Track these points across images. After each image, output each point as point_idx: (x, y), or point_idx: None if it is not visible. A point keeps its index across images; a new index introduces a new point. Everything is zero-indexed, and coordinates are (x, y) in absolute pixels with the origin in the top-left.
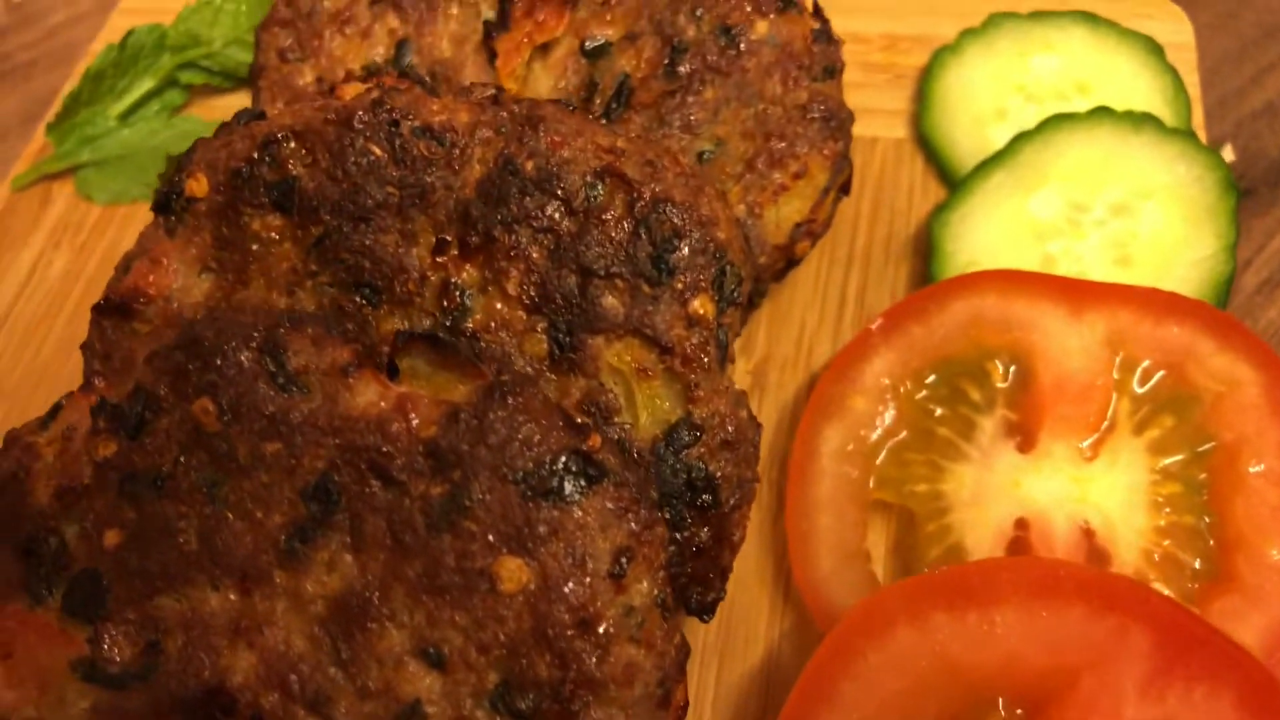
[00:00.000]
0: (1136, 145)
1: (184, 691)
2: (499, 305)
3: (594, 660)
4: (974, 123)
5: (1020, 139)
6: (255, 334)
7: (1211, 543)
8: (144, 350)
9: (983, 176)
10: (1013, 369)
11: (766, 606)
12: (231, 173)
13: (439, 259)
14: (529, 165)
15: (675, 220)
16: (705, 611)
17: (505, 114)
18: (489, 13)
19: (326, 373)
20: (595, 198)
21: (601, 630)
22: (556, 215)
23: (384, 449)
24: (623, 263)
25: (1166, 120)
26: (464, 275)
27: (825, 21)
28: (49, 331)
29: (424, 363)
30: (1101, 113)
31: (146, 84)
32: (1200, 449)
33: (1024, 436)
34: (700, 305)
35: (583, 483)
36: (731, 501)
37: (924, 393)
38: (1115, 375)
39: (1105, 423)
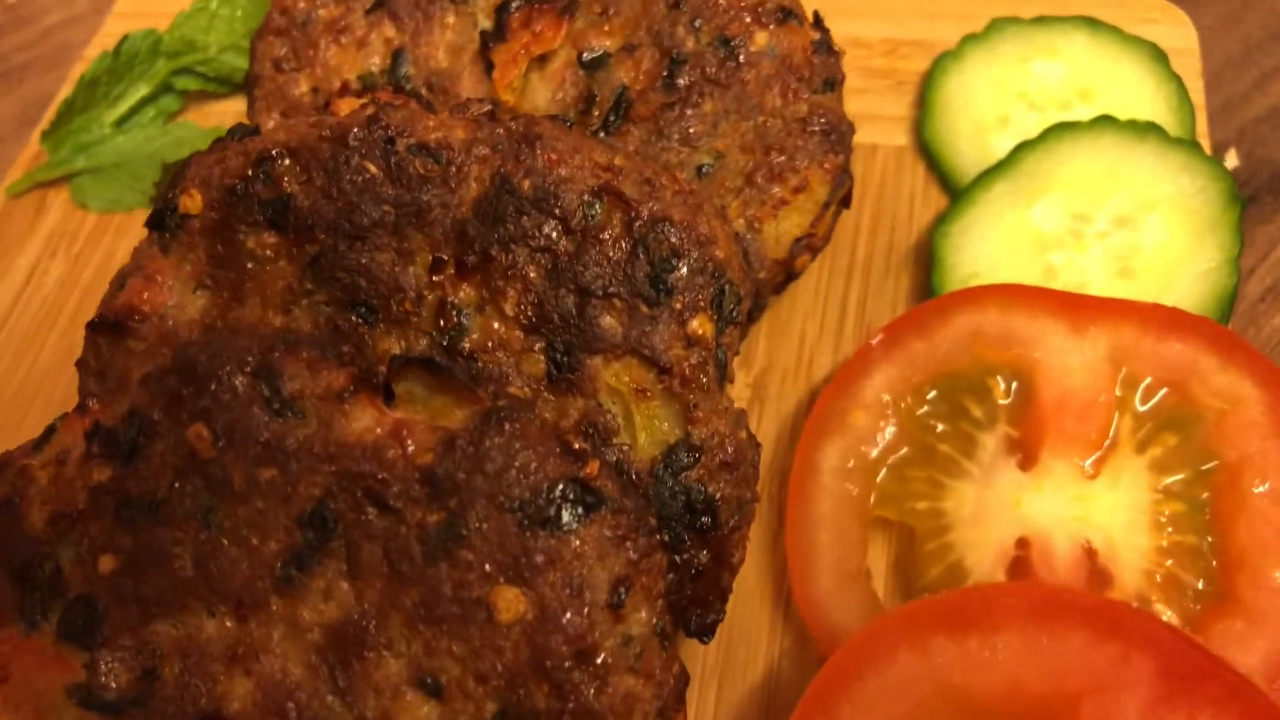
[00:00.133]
0: (1140, 155)
1: (181, 718)
2: (496, 325)
3: (592, 691)
4: (976, 130)
5: (1022, 148)
6: (250, 358)
7: (1214, 563)
8: (139, 368)
9: (984, 187)
10: (1014, 385)
11: (766, 625)
12: (226, 190)
13: (436, 278)
14: (526, 184)
15: (673, 239)
16: (705, 633)
17: (501, 131)
18: (486, 22)
19: (322, 397)
20: (593, 217)
21: (599, 661)
22: (554, 234)
23: (380, 476)
24: (621, 282)
25: (1170, 128)
26: (461, 294)
27: (825, 32)
28: (45, 343)
29: (420, 386)
30: (1105, 122)
31: (142, 90)
32: (1203, 468)
33: (1025, 454)
34: (699, 325)
35: (580, 511)
36: (731, 523)
37: (925, 409)
38: (1117, 392)
39: (1107, 441)
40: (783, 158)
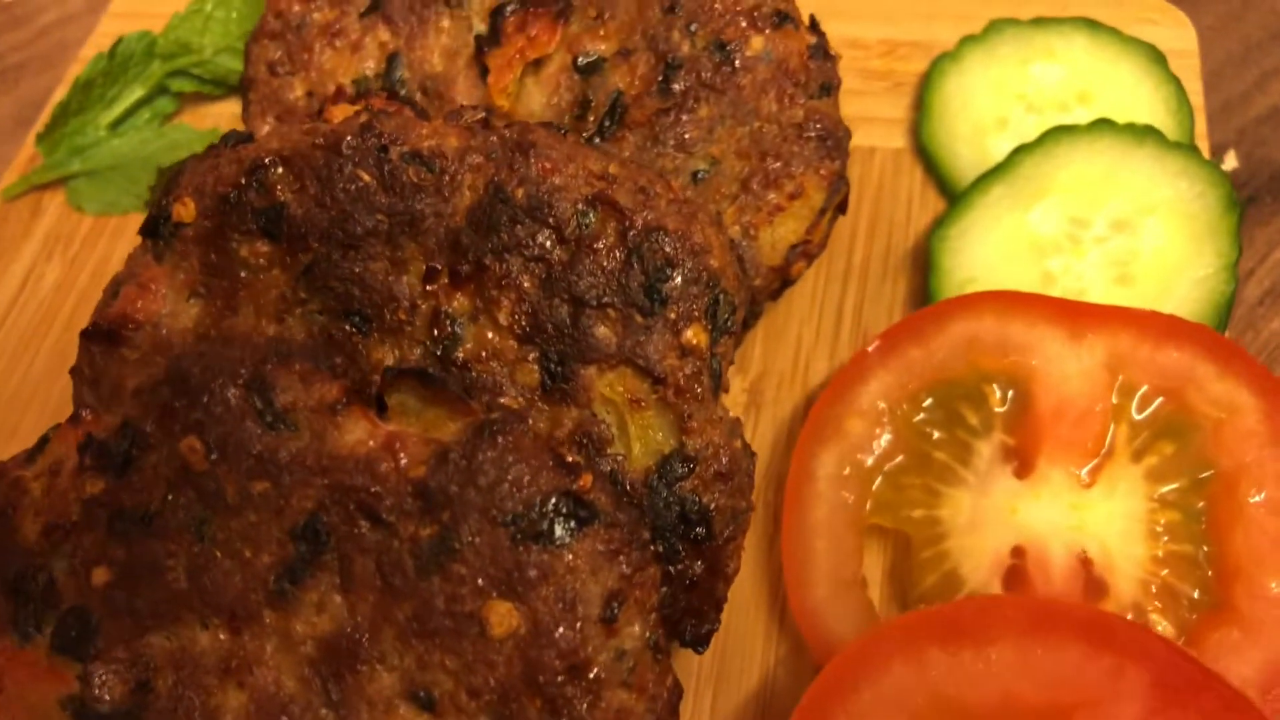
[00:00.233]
0: (1138, 159)
1: None
2: (490, 334)
3: (585, 706)
4: (974, 133)
5: (1020, 151)
6: (242, 370)
7: (1210, 573)
8: (133, 377)
9: (982, 190)
10: (1010, 393)
11: (761, 633)
12: (219, 198)
13: (429, 287)
14: (519, 192)
15: (668, 249)
16: (699, 643)
17: (495, 139)
18: (480, 26)
19: (314, 410)
20: (587, 226)
21: (592, 675)
22: (548, 244)
23: (372, 489)
24: (615, 292)
25: (1169, 131)
26: (455, 304)
27: (822, 36)
28: (40, 347)
29: (413, 398)
30: (1103, 125)
31: (137, 92)
32: (1199, 476)
33: (1021, 462)
34: (693, 335)
35: (573, 525)
36: (726, 533)
37: (921, 416)
38: (1114, 400)
39: (1103, 449)
40: (778, 164)
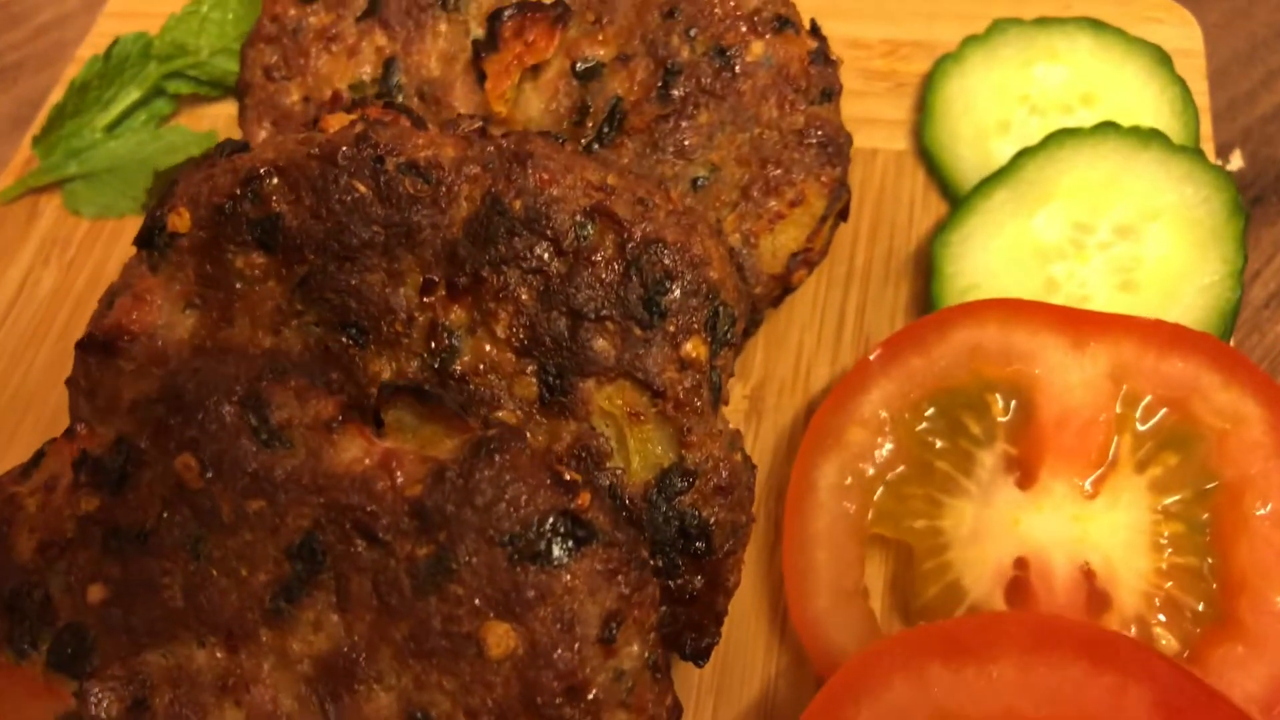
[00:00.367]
0: (1143, 163)
1: None
2: (488, 347)
3: None
4: (976, 135)
5: (1023, 155)
6: (237, 387)
7: (1214, 585)
8: (129, 387)
9: (984, 195)
10: (1013, 402)
11: (763, 644)
12: (214, 209)
13: (426, 299)
14: (517, 204)
15: (666, 261)
16: (700, 656)
17: (492, 149)
18: (478, 30)
19: (310, 427)
20: (585, 238)
21: (591, 697)
22: (545, 256)
23: (369, 508)
24: (613, 305)
25: (1173, 133)
26: (452, 316)
27: (823, 40)
28: (37, 353)
29: (410, 415)
30: (1107, 128)
31: (133, 94)
32: (1204, 488)
33: (1024, 472)
34: (693, 348)
35: (571, 545)
36: (725, 547)
37: (923, 425)
38: (1118, 410)
39: (1107, 460)
40: (779, 171)
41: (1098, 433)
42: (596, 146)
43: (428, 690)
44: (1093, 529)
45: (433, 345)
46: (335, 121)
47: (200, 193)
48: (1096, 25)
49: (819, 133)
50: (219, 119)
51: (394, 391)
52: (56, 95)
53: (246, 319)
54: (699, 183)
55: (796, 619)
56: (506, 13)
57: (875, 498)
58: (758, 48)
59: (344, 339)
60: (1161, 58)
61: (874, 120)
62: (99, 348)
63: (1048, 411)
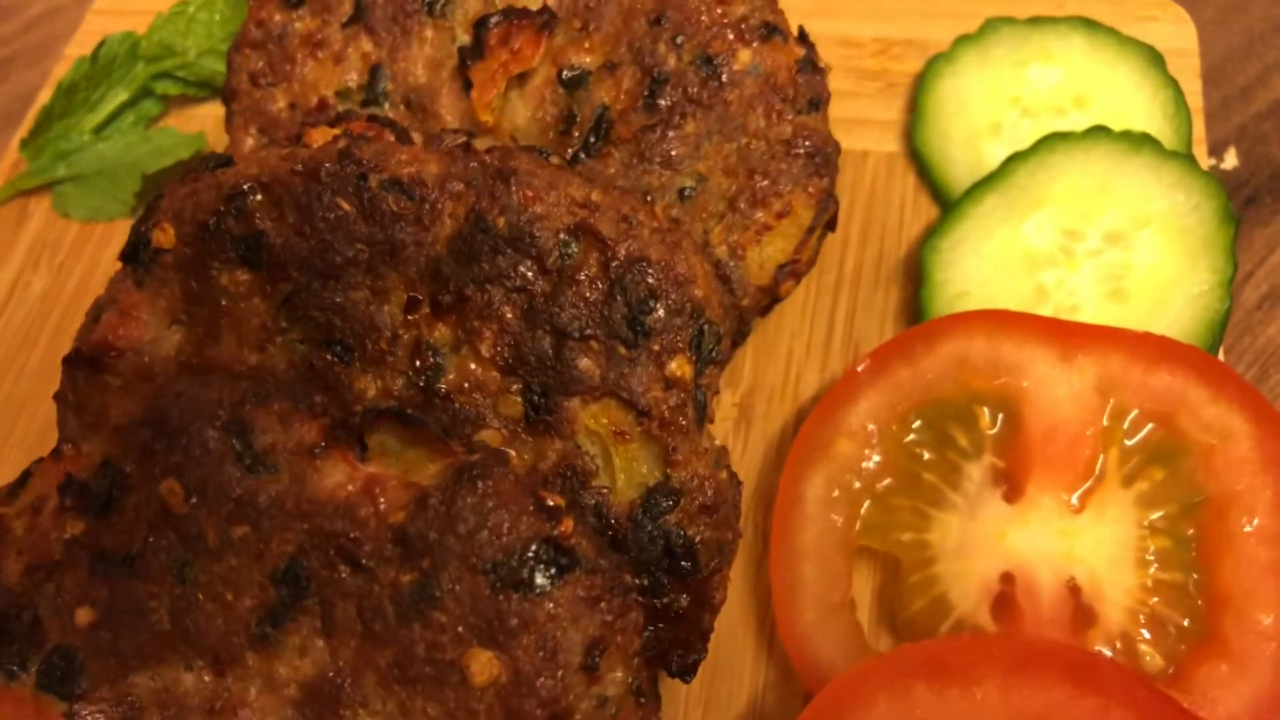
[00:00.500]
0: (1133, 169)
1: None
2: (473, 366)
3: None
4: (968, 137)
5: (1014, 160)
6: (221, 411)
7: (1200, 602)
8: (117, 402)
9: (975, 200)
10: (1001, 415)
11: (750, 657)
12: (198, 225)
13: (411, 317)
14: (501, 221)
15: (651, 280)
16: (686, 673)
17: (476, 165)
18: (464, 37)
19: (294, 452)
20: (569, 256)
21: None
22: (530, 274)
23: (352, 534)
24: (598, 324)
25: (1166, 137)
26: (436, 334)
27: (811, 48)
28: (28, 358)
29: (393, 439)
30: (1098, 133)
31: (121, 95)
32: (1190, 503)
33: (1011, 485)
34: (677, 366)
35: (553, 572)
36: (711, 565)
37: (910, 437)
38: (1105, 423)
39: (1094, 473)
40: (766, 182)
41: (1084, 446)
42: (583, 157)
43: (412, 716)
44: (1079, 544)
45: (417, 363)
46: (319, 135)
47: (184, 208)
48: (1090, 25)
49: (806, 143)
50: (207, 120)
51: (377, 415)
52: (44, 97)
53: (232, 336)
54: (686, 193)
55: (784, 632)
56: (492, 20)
57: (863, 510)
58: (745, 56)
59: (329, 356)
60: (1155, 59)
61: (865, 121)
62: (86, 363)
63: (1035, 424)
